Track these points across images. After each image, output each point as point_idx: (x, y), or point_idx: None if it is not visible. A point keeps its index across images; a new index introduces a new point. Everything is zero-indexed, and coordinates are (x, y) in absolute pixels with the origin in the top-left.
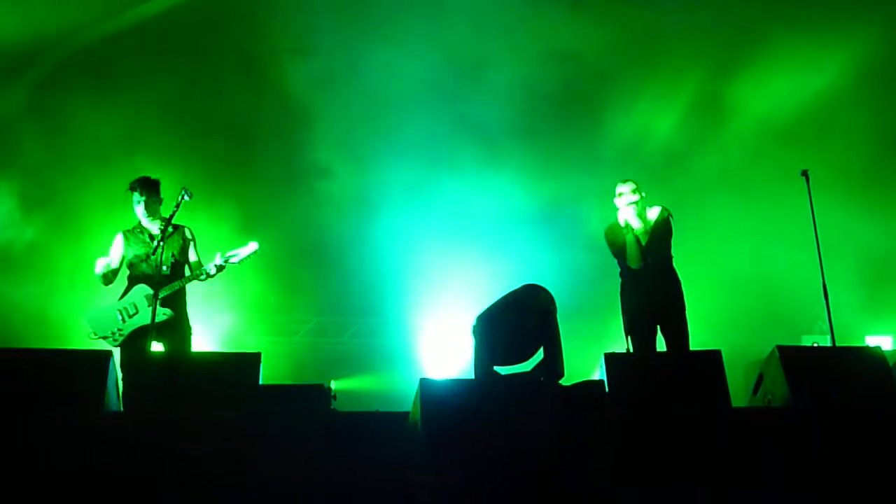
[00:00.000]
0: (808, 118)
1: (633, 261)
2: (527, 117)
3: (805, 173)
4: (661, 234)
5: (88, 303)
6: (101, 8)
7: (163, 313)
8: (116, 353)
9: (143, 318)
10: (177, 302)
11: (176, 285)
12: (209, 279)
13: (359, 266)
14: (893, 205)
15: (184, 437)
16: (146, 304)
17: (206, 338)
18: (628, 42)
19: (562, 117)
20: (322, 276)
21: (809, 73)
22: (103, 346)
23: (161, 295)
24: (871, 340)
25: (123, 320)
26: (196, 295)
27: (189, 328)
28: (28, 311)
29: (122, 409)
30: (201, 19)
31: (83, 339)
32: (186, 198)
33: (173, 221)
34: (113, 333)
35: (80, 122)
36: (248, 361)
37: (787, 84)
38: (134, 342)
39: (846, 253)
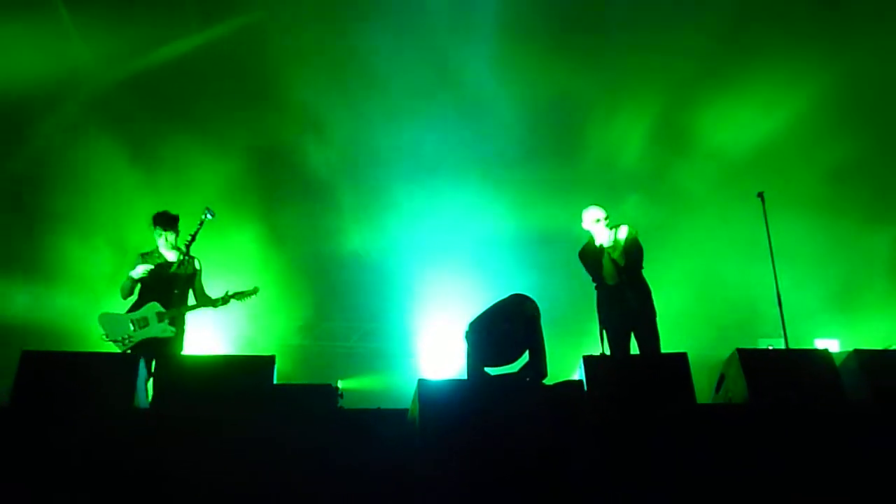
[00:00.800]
0: (766, 147)
1: (610, 278)
2: (515, 148)
3: (761, 195)
4: (633, 251)
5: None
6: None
7: (170, 331)
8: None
9: (151, 331)
10: (179, 323)
11: (183, 310)
12: (212, 309)
13: (365, 278)
14: (840, 223)
15: (206, 431)
16: (157, 320)
17: (227, 341)
18: (605, 79)
19: (545, 147)
20: (333, 287)
21: (767, 108)
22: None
23: (170, 315)
24: (820, 343)
25: (135, 330)
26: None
27: (182, 346)
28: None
29: (147, 405)
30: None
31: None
32: (209, 216)
33: (197, 239)
34: (123, 339)
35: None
36: (264, 363)
37: (747, 117)
38: (147, 349)
39: (798, 265)
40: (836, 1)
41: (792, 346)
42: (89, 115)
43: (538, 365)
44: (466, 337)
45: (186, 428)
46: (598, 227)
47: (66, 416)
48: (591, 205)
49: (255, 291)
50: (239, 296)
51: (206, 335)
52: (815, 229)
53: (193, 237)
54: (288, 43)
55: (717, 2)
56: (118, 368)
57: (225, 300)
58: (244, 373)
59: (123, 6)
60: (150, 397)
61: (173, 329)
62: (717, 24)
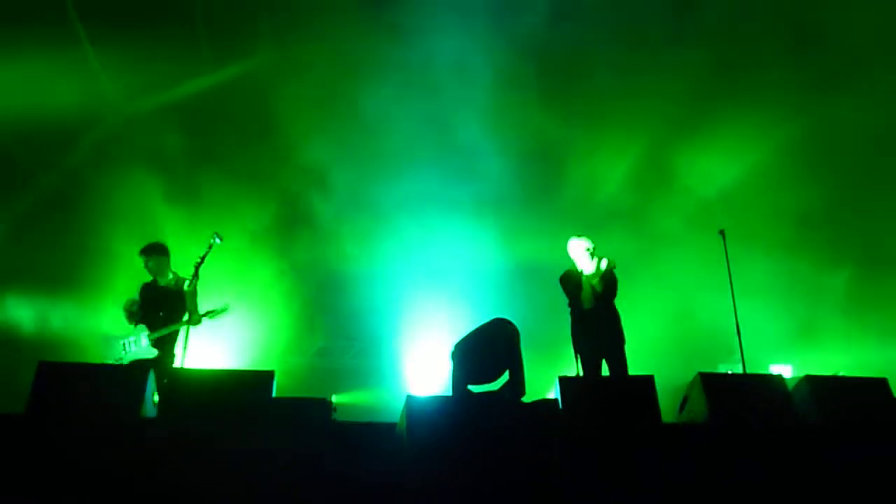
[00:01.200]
0: (734, 189)
1: (587, 302)
2: (503, 186)
3: (722, 232)
4: (610, 281)
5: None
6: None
7: (154, 352)
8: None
9: (139, 353)
10: (167, 343)
11: (165, 330)
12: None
13: (360, 301)
14: (798, 262)
15: (210, 441)
16: (144, 341)
17: (231, 356)
18: (587, 123)
19: (530, 186)
20: (330, 310)
21: (736, 153)
22: None
23: (155, 336)
24: (775, 369)
25: (124, 351)
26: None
27: (171, 363)
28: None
29: (155, 414)
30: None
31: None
32: (217, 241)
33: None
34: (117, 360)
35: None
36: (264, 378)
37: (719, 160)
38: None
39: (756, 298)
40: (803, 58)
41: (749, 371)
42: (111, 145)
43: (517, 384)
44: (452, 357)
45: (191, 437)
46: (583, 255)
47: (78, 424)
48: (577, 235)
49: (225, 309)
50: (210, 314)
51: (214, 351)
52: (774, 266)
53: (202, 259)
54: (293, 91)
55: (694, 52)
56: (128, 380)
57: (197, 320)
58: (246, 386)
59: (142, 46)
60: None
61: (157, 351)
62: (695, 71)
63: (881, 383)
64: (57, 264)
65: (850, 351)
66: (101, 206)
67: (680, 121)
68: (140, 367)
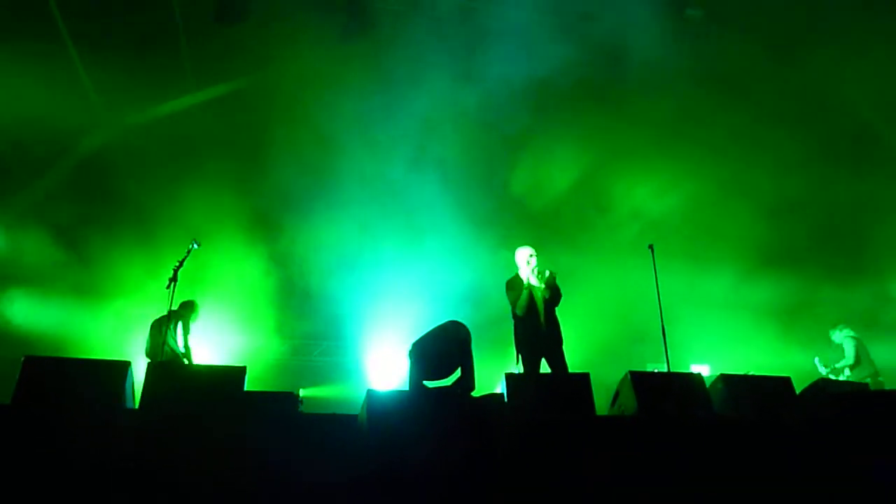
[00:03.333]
0: (670, 210)
1: (521, 309)
2: (465, 205)
3: (651, 247)
4: (553, 290)
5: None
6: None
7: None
8: (134, 364)
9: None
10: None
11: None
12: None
13: (325, 304)
14: (717, 274)
15: (186, 430)
16: None
17: (209, 354)
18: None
19: (486, 204)
20: (297, 310)
21: (671, 182)
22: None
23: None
24: (695, 368)
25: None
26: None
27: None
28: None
29: (136, 407)
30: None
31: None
32: (195, 246)
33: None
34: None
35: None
36: (236, 373)
37: (656, 187)
38: None
39: (679, 304)
40: (735, 102)
41: (673, 369)
42: (101, 155)
43: (468, 380)
44: (409, 355)
45: (169, 427)
46: (526, 261)
47: (61, 414)
48: (523, 245)
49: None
50: (182, 262)
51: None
52: (695, 278)
53: (181, 263)
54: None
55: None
56: (109, 374)
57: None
58: (220, 380)
59: (130, 63)
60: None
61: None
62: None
63: (786, 381)
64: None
65: (759, 353)
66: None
67: (616, 149)
68: (123, 362)
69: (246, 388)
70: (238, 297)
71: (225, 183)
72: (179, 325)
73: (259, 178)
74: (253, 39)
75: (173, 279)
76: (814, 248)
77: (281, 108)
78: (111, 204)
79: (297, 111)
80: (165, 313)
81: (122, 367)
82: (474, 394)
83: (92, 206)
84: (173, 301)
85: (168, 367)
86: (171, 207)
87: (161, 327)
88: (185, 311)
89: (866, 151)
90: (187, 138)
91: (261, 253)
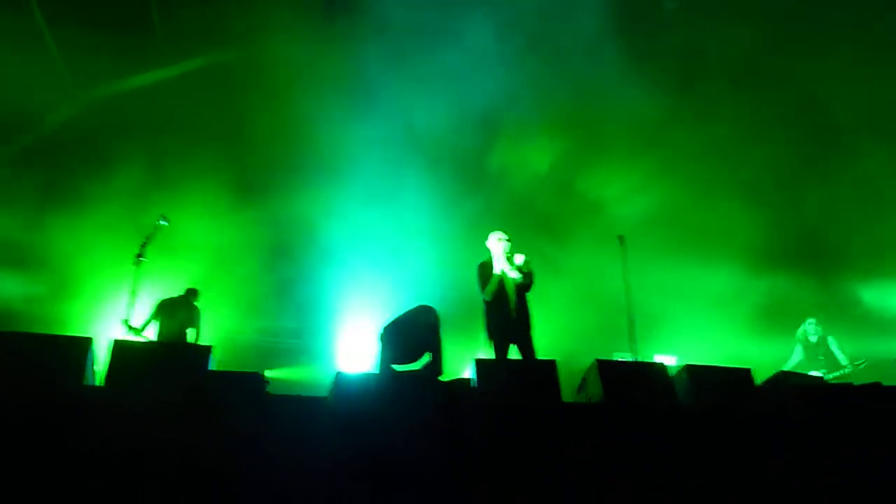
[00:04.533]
0: (642, 206)
1: (489, 295)
2: (437, 192)
3: (621, 237)
4: (526, 276)
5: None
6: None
7: None
8: (96, 339)
9: None
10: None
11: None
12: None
13: (295, 283)
14: (683, 266)
15: (150, 409)
16: None
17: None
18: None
19: (463, 189)
20: (267, 291)
21: (646, 180)
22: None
23: None
24: (660, 358)
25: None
26: None
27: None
28: None
29: (97, 384)
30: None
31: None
32: (164, 223)
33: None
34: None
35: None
36: (202, 352)
37: (630, 183)
38: None
39: (647, 294)
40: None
41: (639, 359)
42: (69, 128)
43: (437, 364)
44: (379, 338)
45: (132, 406)
46: (498, 246)
47: (19, 391)
48: (496, 230)
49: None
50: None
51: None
52: (663, 269)
53: (148, 240)
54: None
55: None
56: (70, 350)
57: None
58: (185, 359)
59: (102, 33)
60: (100, 378)
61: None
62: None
63: (746, 373)
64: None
65: (722, 345)
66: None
67: (594, 141)
68: (84, 338)
69: (211, 368)
70: (207, 276)
71: (196, 160)
72: (194, 313)
73: (231, 156)
74: (229, 14)
75: (140, 255)
76: (783, 245)
77: (256, 86)
78: (78, 178)
79: (272, 89)
80: (176, 296)
81: (84, 344)
82: (443, 378)
83: (59, 180)
84: (139, 277)
85: (132, 345)
86: (140, 183)
87: (174, 312)
88: (194, 299)
89: (836, 151)
90: (159, 113)
91: (231, 232)
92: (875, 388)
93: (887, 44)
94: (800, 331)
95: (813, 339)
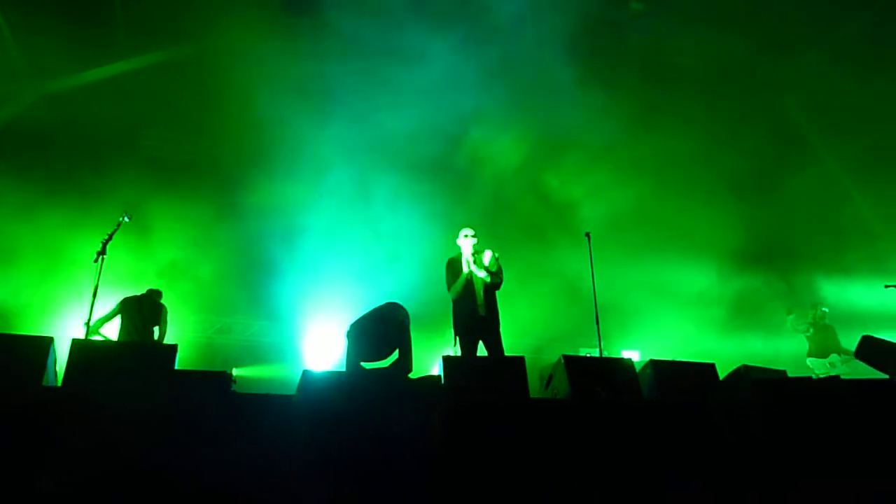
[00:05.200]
0: (611, 206)
1: (456, 294)
2: (406, 190)
3: (587, 234)
4: (494, 274)
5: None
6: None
7: None
8: (57, 340)
9: None
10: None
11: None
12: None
13: (263, 281)
14: (647, 263)
15: (112, 409)
16: None
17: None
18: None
19: (436, 189)
20: (232, 286)
21: (613, 180)
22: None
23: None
24: (625, 353)
25: None
26: None
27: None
28: None
29: (59, 384)
30: None
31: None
32: (126, 219)
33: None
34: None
35: None
36: (167, 351)
37: (596, 182)
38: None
39: (613, 290)
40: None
41: (605, 354)
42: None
43: (405, 362)
44: (347, 336)
45: (94, 406)
46: (465, 241)
47: None
48: (466, 227)
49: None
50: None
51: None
52: (627, 266)
53: (110, 236)
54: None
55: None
56: (31, 350)
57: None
58: (149, 358)
59: (61, 22)
60: (60, 377)
61: None
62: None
63: (710, 368)
64: None
65: (686, 341)
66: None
67: (559, 143)
68: (46, 338)
69: (177, 367)
70: (171, 272)
71: (157, 153)
72: (159, 312)
73: (194, 149)
74: (190, 7)
75: (102, 252)
76: (748, 243)
77: (218, 78)
78: (36, 173)
79: (234, 81)
80: (139, 294)
81: (45, 343)
82: (412, 375)
83: (15, 175)
84: (100, 274)
85: (94, 345)
86: (101, 177)
87: (140, 310)
88: (158, 298)
89: (800, 153)
90: (119, 105)
91: (195, 228)
92: (833, 381)
93: (846, 50)
94: (813, 315)
95: (822, 322)
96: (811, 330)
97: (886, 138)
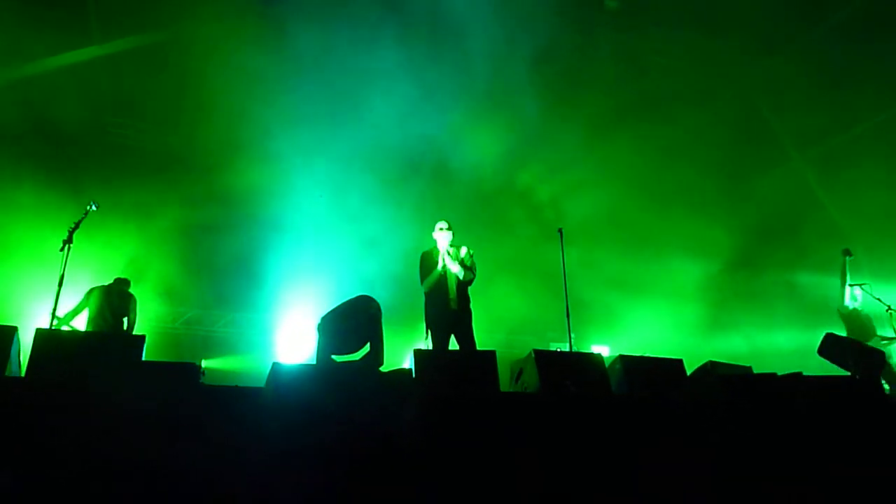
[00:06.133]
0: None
1: (428, 287)
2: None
3: (560, 230)
4: (467, 270)
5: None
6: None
7: None
8: (22, 330)
9: None
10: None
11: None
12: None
13: (233, 273)
14: (618, 259)
15: (77, 401)
16: None
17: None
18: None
19: (411, 185)
20: (202, 277)
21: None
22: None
23: None
24: (595, 348)
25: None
26: None
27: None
28: None
29: (22, 374)
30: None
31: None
32: (94, 207)
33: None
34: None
35: None
36: (134, 341)
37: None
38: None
39: (585, 285)
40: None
41: (575, 349)
42: None
43: (377, 355)
44: (318, 328)
45: (58, 397)
46: (441, 235)
47: None
48: (441, 220)
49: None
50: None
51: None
52: (599, 262)
53: (77, 225)
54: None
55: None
56: None
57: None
58: (116, 349)
59: (27, 11)
60: (24, 368)
61: None
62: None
63: (678, 363)
64: None
65: (655, 336)
66: None
67: (536, 140)
68: (9, 327)
69: (145, 358)
70: (140, 262)
71: (126, 141)
72: (127, 302)
73: (165, 137)
74: None
75: (68, 241)
76: (721, 241)
77: (191, 66)
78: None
79: (207, 70)
80: (107, 284)
81: (9, 332)
82: (383, 369)
83: None
84: (66, 264)
85: (58, 335)
86: (68, 166)
87: (109, 300)
88: (126, 287)
89: (772, 155)
90: (88, 92)
91: (164, 217)
92: (797, 377)
93: (817, 54)
94: (855, 295)
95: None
96: (856, 311)
97: (855, 139)
